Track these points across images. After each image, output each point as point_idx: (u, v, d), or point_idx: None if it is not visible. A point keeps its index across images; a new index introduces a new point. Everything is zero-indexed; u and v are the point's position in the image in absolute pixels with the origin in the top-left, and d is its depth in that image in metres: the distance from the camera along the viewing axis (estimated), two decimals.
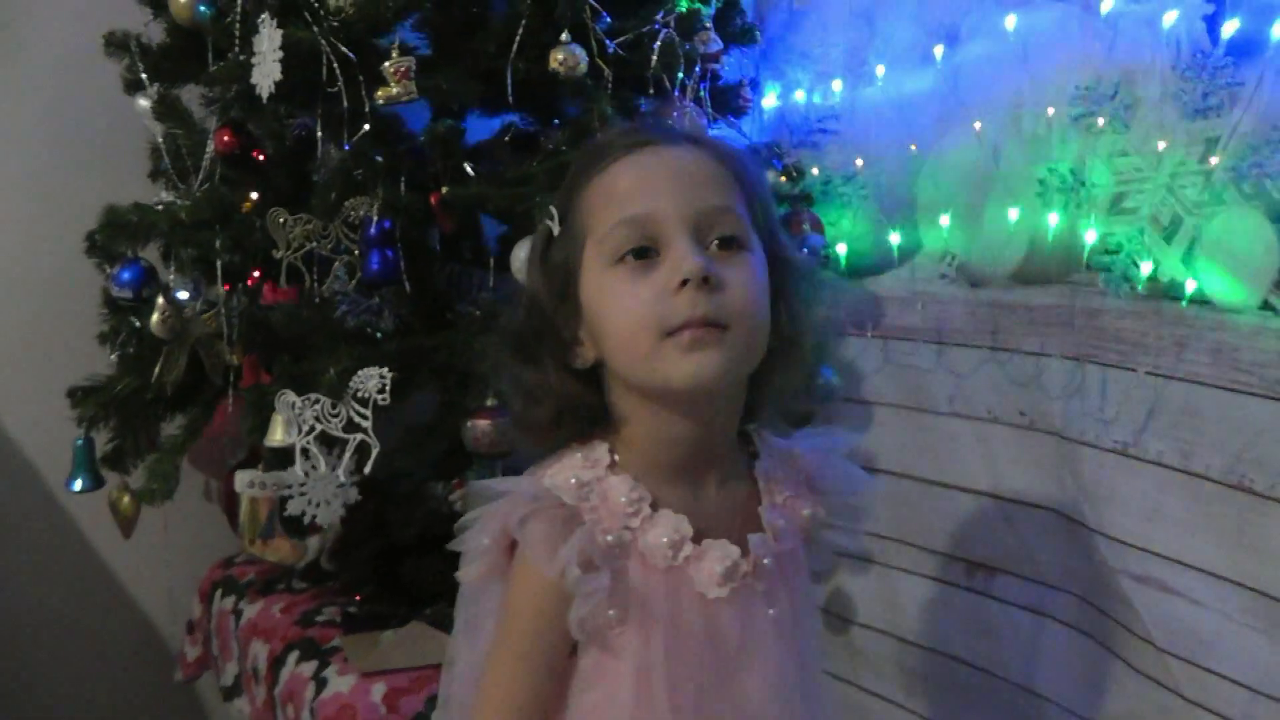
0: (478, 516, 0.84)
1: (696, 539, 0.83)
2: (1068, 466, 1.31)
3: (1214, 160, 1.13)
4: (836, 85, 1.56)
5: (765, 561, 0.84)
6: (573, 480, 0.83)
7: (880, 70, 1.50)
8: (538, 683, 0.83)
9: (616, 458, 0.85)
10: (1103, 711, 1.30)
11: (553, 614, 0.80)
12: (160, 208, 1.61)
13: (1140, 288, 1.20)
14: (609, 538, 0.81)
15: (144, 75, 1.64)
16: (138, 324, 1.59)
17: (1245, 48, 1.11)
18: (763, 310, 0.81)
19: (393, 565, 1.50)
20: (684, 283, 0.76)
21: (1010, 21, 1.34)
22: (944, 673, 1.49)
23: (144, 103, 1.66)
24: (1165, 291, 1.18)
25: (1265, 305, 1.09)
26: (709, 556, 0.82)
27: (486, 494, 0.84)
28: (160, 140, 1.67)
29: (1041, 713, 1.37)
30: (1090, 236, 1.25)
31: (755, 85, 1.64)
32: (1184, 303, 1.16)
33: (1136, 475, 1.22)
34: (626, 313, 0.79)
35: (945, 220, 1.42)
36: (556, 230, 0.84)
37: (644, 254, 0.79)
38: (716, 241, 0.80)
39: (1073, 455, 1.29)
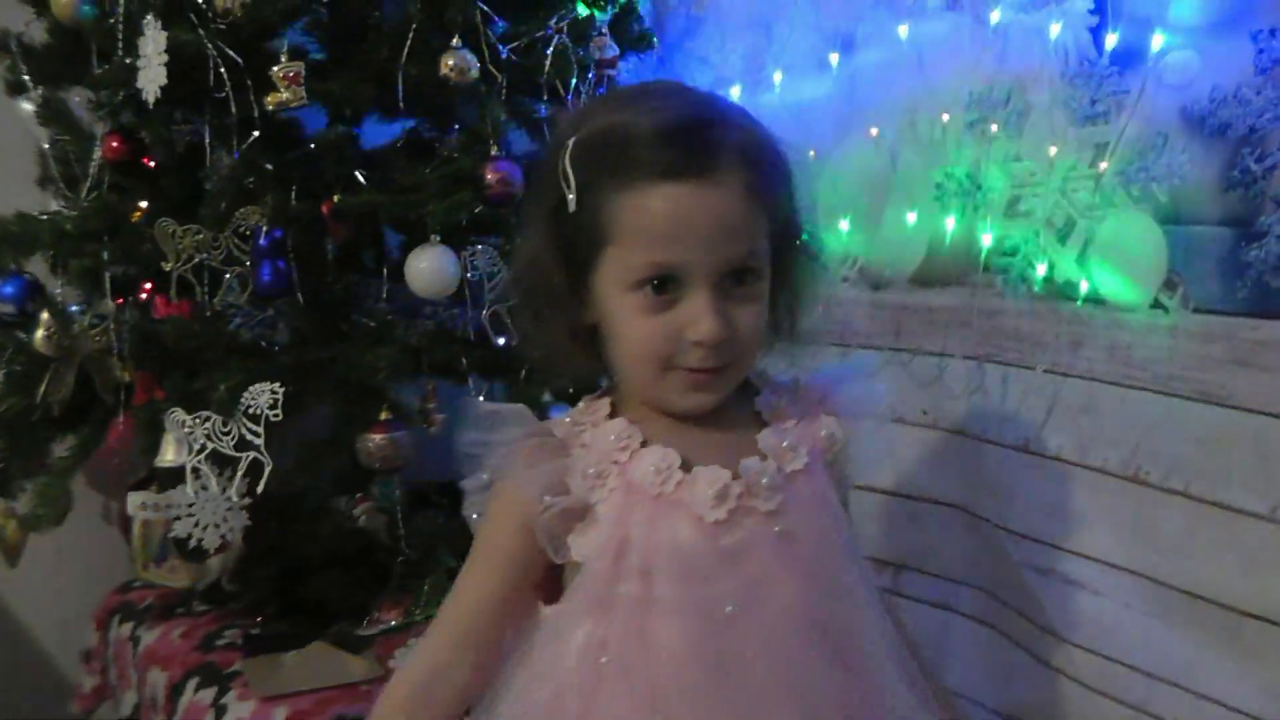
0: (483, 445, 0.84)
1: (687, 468, 0.81)
2: (970, 464, 1.26)
3: (1103, 165, 1.10)
4: (735, 91, 1.49)
5: (763, 481, 0.81)
6: (567, 418, 0.85)
7: (778, 76, 1.44)
8: (496, 587, 0.83)
9: (616, 408, 0.85)
10: (1008, 702, 1.27)
11: (516, 528, 0.81)
12: (46, 217, 1.48)
13: (1037, 288, 1.16)
14: (591, 469, 0.80)
15: (26, 77, 1.51)
16: (24, 340, 1.45)
17: (1128, 57, 1.08)
18: (760, 338, 0.82)
19: (295, 584, 1.39)
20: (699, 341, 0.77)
21: (904, 30, 1.29)
22: None
23: (28, 106, 1.52)
24: (1061, 292, 1.15)
25: (1156, 304, 1.06)
26: (700, 481, 0.80)
27: (483, 415, 0.85)
28: (47, 146, 1.54)
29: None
30: (987, 239, 1.20)
31: None
32: (1079, 303, 1.13)
33: (1037, 470, 1.18)
34: (638, 341, 0.79)
35: (845, 224, 1.37)
36: (572, 204, 0.78)
37: (664, 289, 0.77)
38: (734, 278, 0.78)
39: (975, 452, 1.25)
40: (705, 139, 0.76)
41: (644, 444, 0.82)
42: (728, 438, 0.84)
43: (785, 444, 0.84)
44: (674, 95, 0.82)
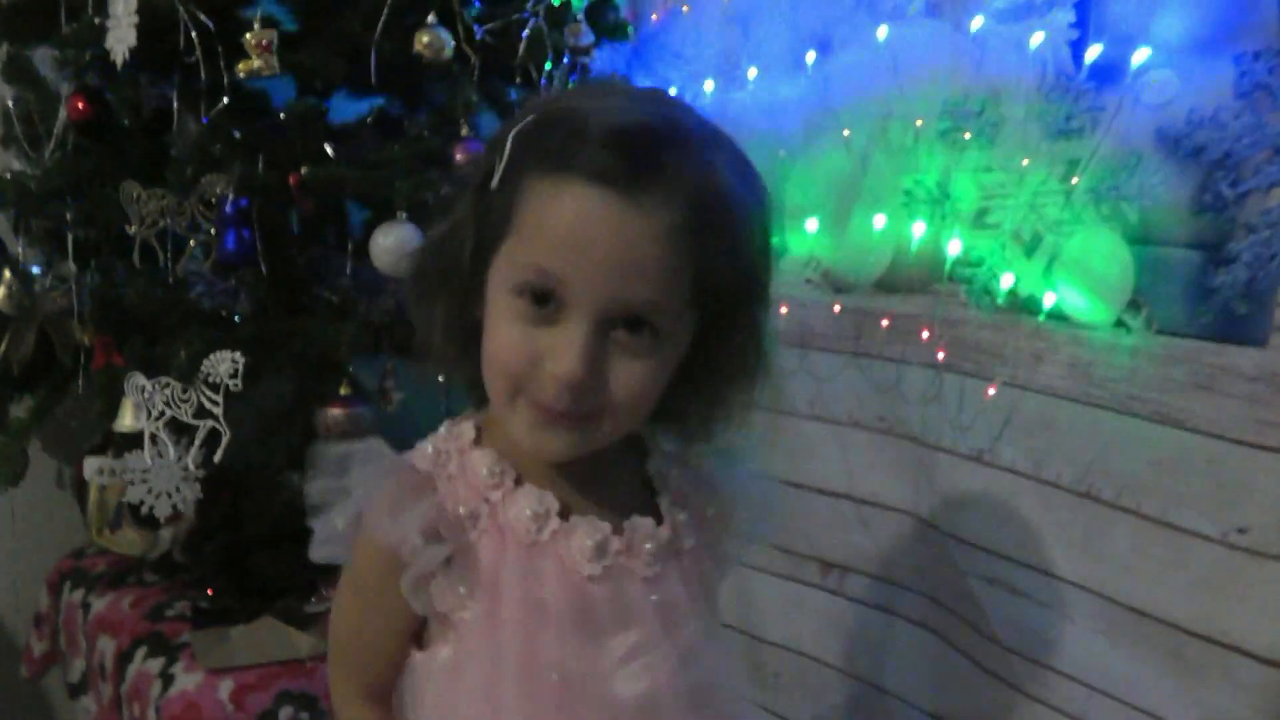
0: (335, 492, 0.70)
1: (565, 514, 0.70)
2: (924, 471, 1.20)
3: (1074, 181, 1.03)
4: (708, 86, 1.41)
5: (647, 546, 0.71)
6: (429, 449, 0.72)
7: (752, 73, 1.36)
8: (378, 641, 0.74)
9: (482, 434, 0.73)
10: (947, 707, 1.21)
11: (391, 582, 0.68)
12: (9, 176, 1.37)
13: (1000, 301, 1.10)
14: (461, 509, 0.69)
15: None
16: None
17: (1107, 73, 1.01)
18: (646, 400, 0.68)
19: (246, 558, 1.30)
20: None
21: (881, 33, 1.21)
22: (795, 669, 1.37)
23: None
24: (1024, 305, 1.08)
25: (1119, 323, 1.01)
26: (578, 531, 0.70)
27: (333, 459, 0.71)
28: (10, 104, 1.43)
29: (888, 708, 1.27)
30: (953, 248, 1.13)
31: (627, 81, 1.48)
32: (1042, 317, 1.06)
33: (990, 481, 1.12)
34: (499, 346, 0.66)
35: (812, 225, 1.29)
36: (496, 179, 0.65)
37: (543, 301, 0.64)
38: (625, 324, 0.64)
39: (929, 461, 1.19)
40: (651, 154, 0.62)
41: (518, 482, 0.71)
42: (609, 492, 0.73)
43: (683, 518, 0.74)
44: (657, 103, 0.67)
